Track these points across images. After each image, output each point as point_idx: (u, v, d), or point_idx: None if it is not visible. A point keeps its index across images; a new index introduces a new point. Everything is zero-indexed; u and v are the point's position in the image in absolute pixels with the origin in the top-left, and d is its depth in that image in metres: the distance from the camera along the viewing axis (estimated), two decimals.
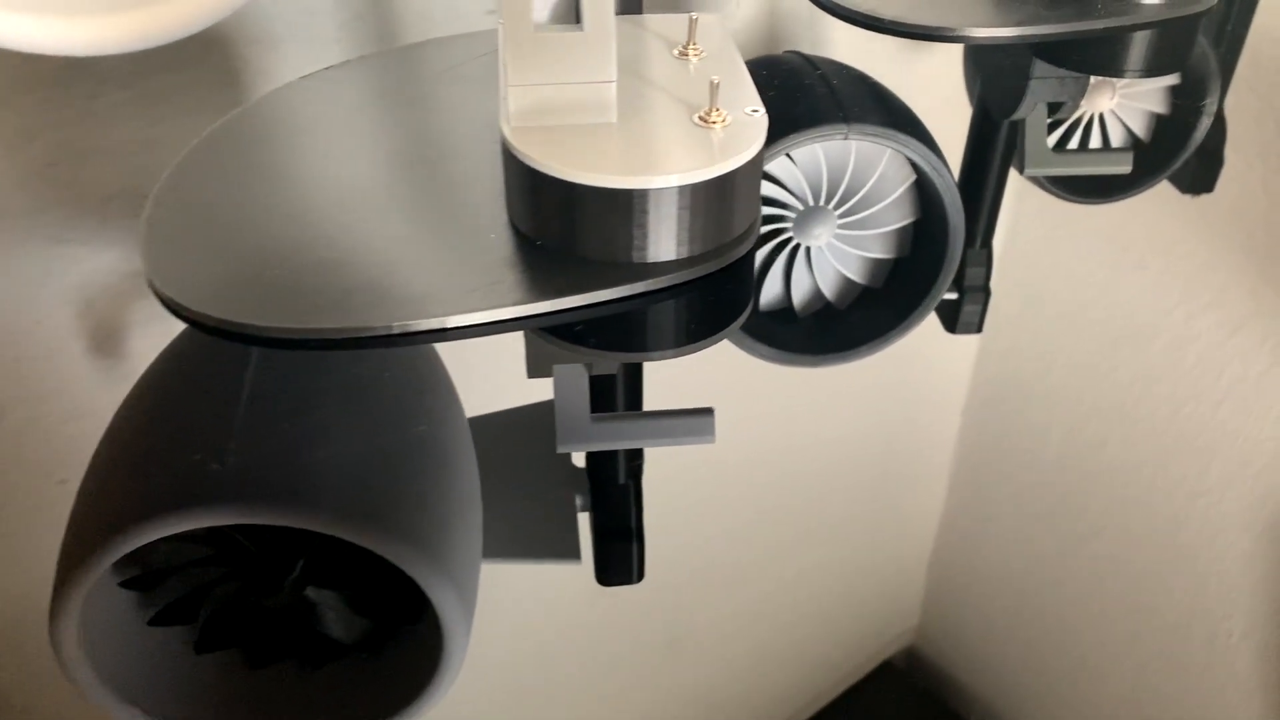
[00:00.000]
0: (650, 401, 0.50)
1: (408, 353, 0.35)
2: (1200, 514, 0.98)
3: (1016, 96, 0.47)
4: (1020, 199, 1.00)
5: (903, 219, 0.50)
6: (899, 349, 0.55)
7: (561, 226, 0.29)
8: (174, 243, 0.29)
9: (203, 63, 0.51)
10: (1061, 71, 0.45)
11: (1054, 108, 0.48)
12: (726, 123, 0.30)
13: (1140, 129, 0.67)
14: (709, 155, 0.28)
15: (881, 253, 0.51)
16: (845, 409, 1.11)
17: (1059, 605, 1.18)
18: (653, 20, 0.35)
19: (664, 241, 0.29)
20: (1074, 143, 0.66)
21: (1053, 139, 0.65)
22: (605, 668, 1.09)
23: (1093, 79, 0.63)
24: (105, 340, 0.54)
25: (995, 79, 0.50)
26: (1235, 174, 0.84)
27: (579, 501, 0.45)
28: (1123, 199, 0.67)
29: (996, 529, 1.21)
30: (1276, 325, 0.85)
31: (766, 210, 0.50)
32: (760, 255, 0.51)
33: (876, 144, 0.47)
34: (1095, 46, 0.43)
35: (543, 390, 0.46)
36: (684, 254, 0.29)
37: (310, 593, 0.35)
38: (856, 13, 0.42)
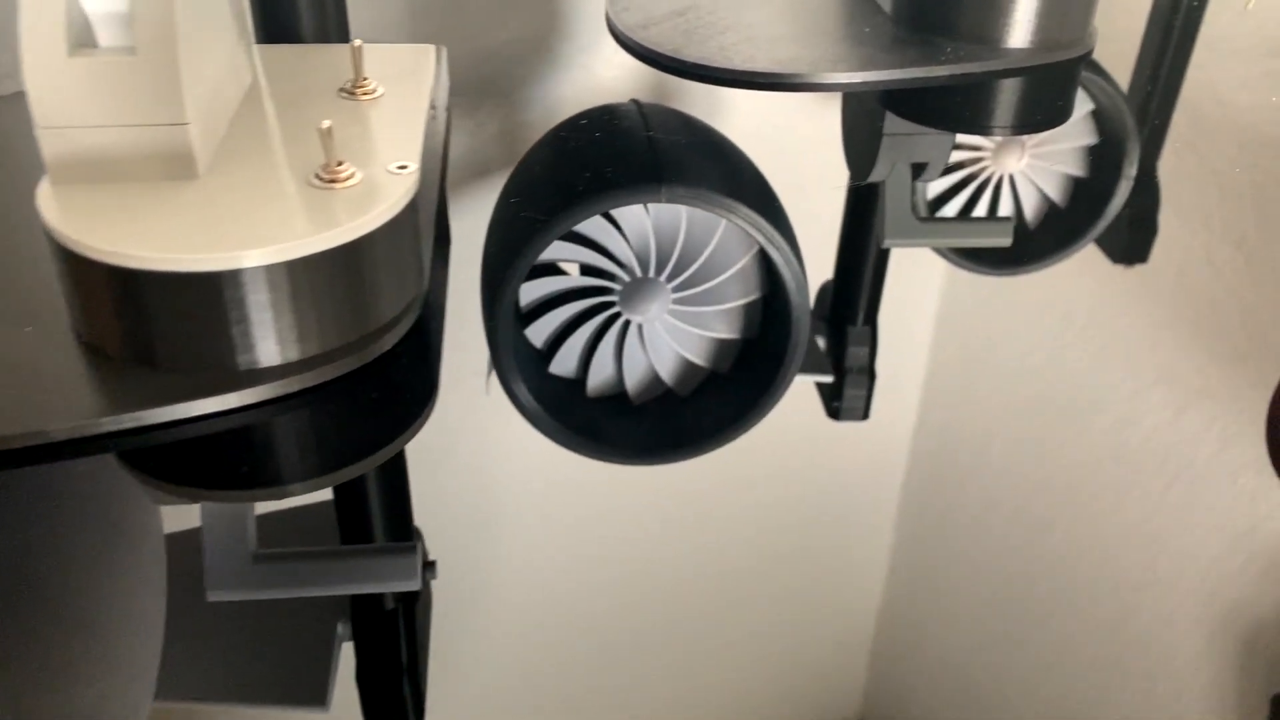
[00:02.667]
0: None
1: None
2: (1149, 606, 0.90)
3: (871, 156, 0.40)
4: (953, 267, 0.93)
5: (746, 295, 0.43)
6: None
7: (112, 323, 0.21)
8: None
9: None
10: (915, 127, 0.38)
11: (918, 169, 0.41)
12: (353, 181, 0.23)
13: (1055, 192, 0.60)
14: (316, 223, 0.21)
15: (725, 332, 0.44)
16: (776, 489, 1.04)
17: (1005, 696, 1.10)
18: (342, 51, 0.28)
19: (264, 339, 0.22)
20: (981, 208, 0.59)
21: (956, 203, 0.58)
22: None
23: (998, 138, 0.57)
24: None
25: (852, 137, 0.43)
26: (1178, 241, 0.77)
27: (341, 630, 0.37)
28: (1035, 270, 0.60)
29: (940, 615, 1.14)
30: (1224, 407, 0.78)
31: (588, 281, 0.43)
32: (587, 332, 0.44)
33: (708, 210, 0.40)
34: (951, 97, 0.36)
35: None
36: (299, 354, 0.22)
37: None
38: (659, 54, 0.35)
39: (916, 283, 0.97)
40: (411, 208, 0.23)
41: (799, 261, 0.40)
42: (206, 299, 0.21)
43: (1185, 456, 0.81)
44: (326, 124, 0.23)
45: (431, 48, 0.29)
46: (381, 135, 0.24)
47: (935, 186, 0.58)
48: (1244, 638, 0.83)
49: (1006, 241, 0.42)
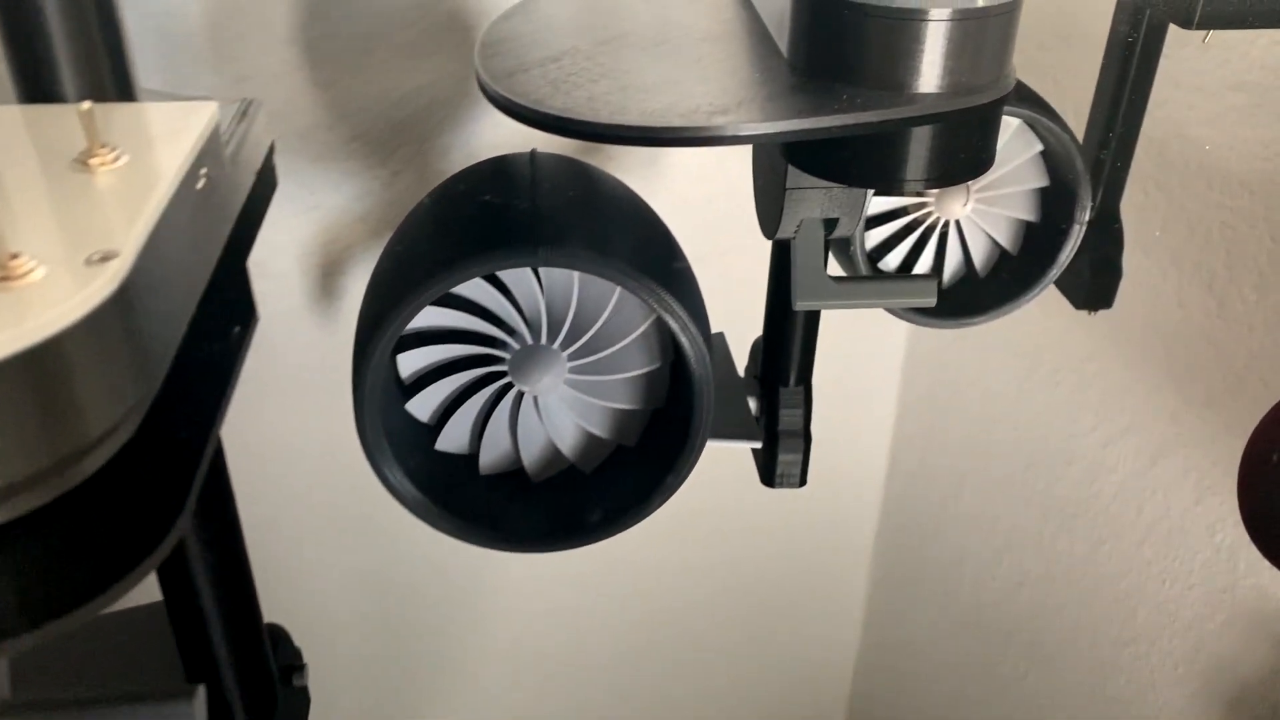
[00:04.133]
0: None
1: None
2: (1128, 664, 0.86)
3: (776, 212, 0.36)
4: None
5: (649, 363, 0.40)
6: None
7: None
8: None
9: None
10: (818, 181, 0.35)
11: (831, 224, 0.37)
12: (33, 278, 0.19)
13: (1005, 238, 0.57)
14: None
15: (628, 403, 0.40)
16: (750, 541, 1.00)
17: None
18: (103, 111, 0.24)
19: None
20: (927, 254, 0.56)
21: (900, 251, 0.55)
22: None
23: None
24: None
25: (760, 191, 0.40)
26: (1147, 282, 0.74)
27: None
28: (985, 321, 0.56)
29: (916, 669, 1.09)
30: (1199, 456, 0.74)
31: (469, 350, 0.39)
32: (477, 404, 0.40)
33: (593, 273, 0.36)
34: (849, 149, 0.33)
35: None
36: None
37: None
38: (518, 106, 0.32)
39: (881, 332, 0.94)
40: (116, 304, 0.19)
41: (699, 326, 0.36)
42: None
43: (1160, 508, 0.77)
44: None
45: (211, 104, 0.25)
46: (100, 215, 0.20)
47: (877, 234, 0.54)
48: (1228, 699, 0.79)
49: (930, 301, 0.38)
